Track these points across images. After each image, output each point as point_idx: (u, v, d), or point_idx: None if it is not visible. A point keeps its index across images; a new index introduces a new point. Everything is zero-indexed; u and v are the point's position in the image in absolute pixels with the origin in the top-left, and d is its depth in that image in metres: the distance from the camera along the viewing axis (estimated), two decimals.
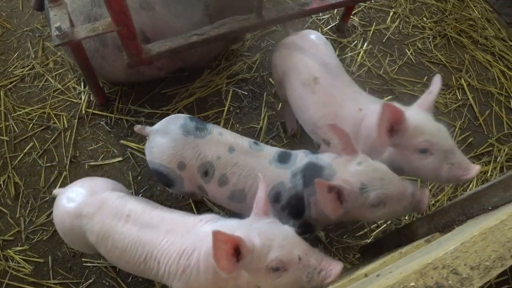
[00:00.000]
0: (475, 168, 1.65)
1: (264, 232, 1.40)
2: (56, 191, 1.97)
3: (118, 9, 1.86)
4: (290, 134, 2.70)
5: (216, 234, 1.27)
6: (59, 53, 3.14)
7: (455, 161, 1.67)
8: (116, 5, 1.84)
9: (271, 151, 1.87)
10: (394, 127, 1.69)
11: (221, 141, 1.84)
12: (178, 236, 1.61)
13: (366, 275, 1.27)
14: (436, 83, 1.87)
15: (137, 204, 1.76)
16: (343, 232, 2.47)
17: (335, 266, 1.37)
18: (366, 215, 1.66)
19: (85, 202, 1.78)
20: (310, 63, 2.11)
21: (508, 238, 0.84)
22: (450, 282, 0.75)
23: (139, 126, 2.02)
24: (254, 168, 1.79)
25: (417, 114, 1.77)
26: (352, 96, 2.03)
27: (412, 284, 0.74)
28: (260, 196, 1.52)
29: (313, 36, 2.26)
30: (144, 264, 1.66)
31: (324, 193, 1.53)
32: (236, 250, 1.34)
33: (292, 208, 1.78)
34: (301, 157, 1.80)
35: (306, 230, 1.82)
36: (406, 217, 2.55)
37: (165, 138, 1.88)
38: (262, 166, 1.80)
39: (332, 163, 1.69)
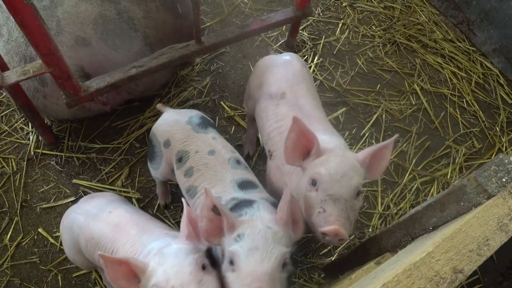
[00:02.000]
0: (331, 227, 1.44)
1: (161, 256, 1.39)
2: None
3: (46, 51, 1.79)
4: (245, 156, 2.66)
5: (104, 257, 1.32)
6: (4, 93, 3.04)
7: (327, 210, 1.50)
8: (43, 46, 1.77)
9: (242, 174, 1.88)
10: (308, 149, 1.66)
11: (208, 142, 1.95)
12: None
13: None
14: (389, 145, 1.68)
15: (121, 208, 1.85)
16: (307, 251, 2.43)
17: None
18: (222, 265, 1.47)
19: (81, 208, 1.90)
20: (282, 79, 2.13)
21: (435, 272, 0.80)
22: None
23: (160, 104, 2.26)
24: (216, 176, 1.84)
25: (335, 149, 1.67)
26: (310, 118, 1.95)
27: None
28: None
29: (291, 57, 2.28)
30: None
31: (207, 208, 1.46)
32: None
33: None
34: (254, 195, 1.74)
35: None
36: (370, 229, 2.53)
37: (171, 117, 2.08)
38: (224, 179, 1.82)
39: (261, 212, 1.53)
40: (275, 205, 1.59)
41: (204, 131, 2.00)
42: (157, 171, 2.14)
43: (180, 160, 1.96)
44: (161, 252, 1.40)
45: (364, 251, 1.61)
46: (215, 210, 1.43)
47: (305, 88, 2.11)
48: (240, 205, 1.61)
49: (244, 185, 1.81)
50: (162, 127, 2.06)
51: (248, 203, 1.61)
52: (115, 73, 2.17)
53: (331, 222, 1.45)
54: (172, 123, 2.04)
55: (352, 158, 1.62)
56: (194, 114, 2.10)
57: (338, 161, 1.58)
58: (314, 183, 1.57)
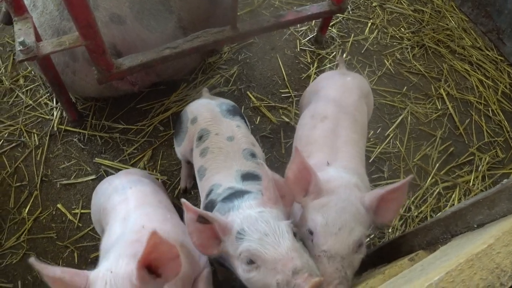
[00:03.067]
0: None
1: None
2: None
3: (85, 23, 1.78)
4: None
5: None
6: (30, 68, 3.04)
7: (320, 269, 1.32)
8: (82, 18, 1.76)
9: (250, 167, 1.85)
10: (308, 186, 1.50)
11: (231, 128, 1.98)
12: None
13: None
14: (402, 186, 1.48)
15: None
16: None
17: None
18: (237, 272, 1.41)
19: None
20: (333, 102, 1.99)
21: (496, 264, 0.78)
22: None
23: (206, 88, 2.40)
24: (225, 163, 1.85)
25: (339, 190, 1.50)
26: (337, 152, 1.82)
27: None
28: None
29: (354, 81, 2.15)
30: None
31: (191, 221, 1.39)
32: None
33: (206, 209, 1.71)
34: (252, 187, 1.71)
35: None
36: (390, 230, 2.50)
37: (205, 100, 2.17)
38: (230, 167, 1.83)
39: (249, 201, 1.50)
40: None
41: (231, 118, 2.04)
42: (178, 148, 2.18)
43: (200, 138, 1.99)
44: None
45: (394, 248, 1.59)
46: (201, 219, 1.38)
47: (351, 120, 1.94)
48: (231, 197, 1.58)
49: (247, 176, 1.78)
50: (195, 106, 2.13)
51: (240, 193, 1.58)
52: (148, 53, 2.16)
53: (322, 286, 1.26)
54: (204, 103, 2.12)
55: (357, 202, 1.45)
56: (226, 102, 2.16)
57: (338, 208, 1.41)
58: (310, 232, 1.43)
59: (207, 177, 1.86)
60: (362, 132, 1.98)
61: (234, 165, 1.83)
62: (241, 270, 1.36)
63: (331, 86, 2.11)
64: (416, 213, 2.59)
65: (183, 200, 1.38)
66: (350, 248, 1.35)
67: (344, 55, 3.27)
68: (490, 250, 0.80)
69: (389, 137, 2.89)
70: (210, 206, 1.68)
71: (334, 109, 1.96)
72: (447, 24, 3.71)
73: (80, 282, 1.18)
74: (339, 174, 1.61)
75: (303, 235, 1.48)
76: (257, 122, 2.83)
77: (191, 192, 2.55)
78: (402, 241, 1.55)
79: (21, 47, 1.84)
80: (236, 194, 1.58)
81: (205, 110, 2.06)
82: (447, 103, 3.17)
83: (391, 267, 1.39)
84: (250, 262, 1.32)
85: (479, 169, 2.87)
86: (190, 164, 2.23)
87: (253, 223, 1.35)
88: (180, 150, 2.17)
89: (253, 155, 1.91)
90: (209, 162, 1.88)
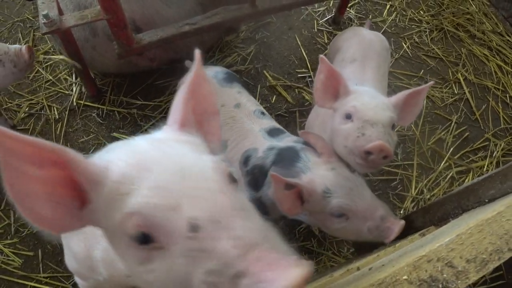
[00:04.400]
0: (375, 143, 1.45)
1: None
2: None
3: None
4: None
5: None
6: (50, 44, 3.09)
7: (366, 133, 1.51)
8: None
9: (268, 123, 1.93)
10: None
11: (234, 96, 2.01)
12: None
13: (358, 269, 1.23)
14: None
15: None
16: None
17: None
18: (326, 224, 1.58)
19: None
20: (360, 49, 2.22)
21: (505, 230, 0.80)
22: (445, 275, 0.71)
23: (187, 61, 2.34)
24: (244, 128, 1.88)
25: (366, 90, 1.76)
26: (367, 83, 2.04)
27: (405, 277, 0.70)
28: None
29: (377, 37, 2.39)
30: None
31: (280, 190, 1.48)
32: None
33: (253, 177, 1.78)
34: (288, 140, 1.80)
35: (259, 208, 1.75)
36: (402, 211, 2.52)
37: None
38: (252, 129, 1.87)
39: (311, 159, 1.61)
40: (305, 143, 1.72)
41: (230, 86, 2.07)
42: None
43: None
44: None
45: (406, 224, 1.61)
46: (288, 187, 1.48)
47: (376, 64, 2.17)
48: (285, 160, 1.66)
49: (273, 132, 1.88)
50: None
51: (291, 152, 1.68)
52: (168, 28, 2.19)
53: (374, 140, 1.45)
54: None
55: (384, 98, 1.65)
56: (219, 70, 2.17)
57: (370, 95, 1.62)
58: (348, 116, 1.57)
59: (232, 147, 1.89)
60: (384, 75, 2.23)
61: (254, 127, 1.88)
62: (332, 223, 1.54)
63: (358, 38, 2.32)
64: (428, 196, 2.60)
65: (271, 173, 1.48)
66: (387, 119, 1.53)
67: None
68: (500, 217, 0.82)
69: None
70: (259, 170, 1.75)
71: (362, 53, 2.19)
72: (467, 8, 3.66)
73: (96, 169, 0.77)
74: (366, 88, 1.81)
75: (338, 127, 1.63)
76: (273, 101, 2.85)
77: None
78: (414, 217, 1.58)
79: (45, 20, 1.88)
80: (288, 157, 1.67)
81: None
82: (464, 87, 3.15)
83: (402, 242, 1.42)
84: (341, 215, 1.50)
85: (494, 155, 2.86)
86: None
87: (335, 181, 1.50)
88: None
89: (263, 113, 1.99)
90: (227, 134, 1.90)
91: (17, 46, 2.12)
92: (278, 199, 1.50)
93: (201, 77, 0.98)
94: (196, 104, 0.97)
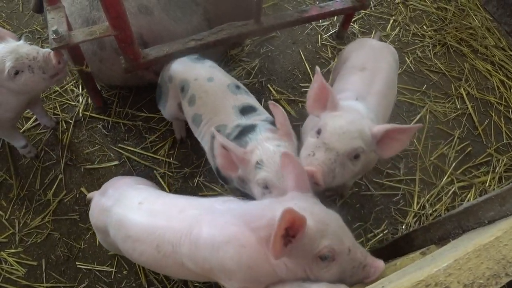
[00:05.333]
0: (309, 168, 1.51)
1: (318, 215, 1.29)
2: (89, 194, 2.04)
3: (115, 14, 1.85)
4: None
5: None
6: None
7: (315, 155, 1.58)
8: (113, 10, 1.83)
9: (242, 99, 2.00)
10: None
11: (206, 70, 2.09)
12: (191, 215, 1.51)
13: None
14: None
15: (152, 193, 1.75)
16: None
17: (378, 264, 1.30)
18: (253, 191, 1.68)
19: (107, 196, 1.80)
20: (371, 58, 2.21)
21: (503, 256, 0.82)
22: None
23: None
24: (217, 104, 1.96)
25: (353, 111, 1.74)
26: (369, 93, 2.02)
27: None
28: (297, 171, 1.44)
29: (388, 48, 2.36)
30: (158, 252, 1.52)
31: (219, 147, 1.66)
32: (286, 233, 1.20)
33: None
34: (256, 118, 1.90)
35: (221, 178, 1.99)
36: (403, 226, 2.53)
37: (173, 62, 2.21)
38: (225, 106, 1.94)
39: (263, 134, 1.72)
40: (273, 123, 1.80)
41: (202, 62, 2.15)
42: (165, 110, 2.34)
43: (183, 89, 2.08)
44: (307, 212, 1.30)
45: (407, 242, 1.63)
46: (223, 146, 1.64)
47: (386, 75, 2.14)
48: (243, 131, 1.79)
49: (245, 110, 1.94)
50: (166, 68, 2.23)
51: (250, 128, 1.79)
52: (174, 44, 2.23)
53: (312, 165, 1.51)
54: (174, 62, 2.20)
55: (366, 125, 1.63)
56: (193, 55, 2.24)
57: (348, 120, 1.61)
58: (318, 132, 1.63)
59: (206, 121, 1.98)
60: (392, 90, 2.20)
61: (228, 103, 1.95)
62: (257, 192, 1.64)
63: (368, 47, 2.32)
64: (430, 211, 2.61)
65: (213, 130, 1.66)
66: (347, 150, 1.55)
67: None
68: (498, 242, 0.84)
69: None
70: None
71: (372, 63, 2.17)
72: (470, 23, 3.69)
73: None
74: (359, 106, 1.81)
75: (307, 138, 1.70)
76: None
77: (188, 142, 2.73)
78: (415, 235, 1.60)
79: (54, 35, 1.92)
80: (246, 130, 1.80)
81: (176, 65, 2.16)
82: (467, 102, 3.17)
83: (403, 259, 1.43)
84: (266, 187, 1.59)
85: (496, 170, 2.87)
86: (179, 119, 2.43)
87: (271, 156, 1.59)
88: (166, 111, 2.33)
89: (237, 87, 2.05)
90: (201, 108, 1.99)
91: (46, 50, 2.09)
92: (217, 154, 1.70)
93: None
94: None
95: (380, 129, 1.62)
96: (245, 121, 1.88)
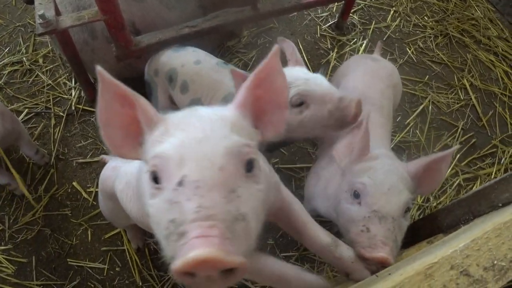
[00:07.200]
0: (378, 255, 1.25)
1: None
2: (103, 156, 2.06)
3: None
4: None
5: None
6: (49, 48, 3.05)
7: (372, 231, 1.32)
8: None
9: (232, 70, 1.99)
10: None
11: (191, 55, 2.05)
12: None
13: None
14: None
15: None
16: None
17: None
18: (289, 120, 1.52)
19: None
20: (363, 80, 1.98)
21: None
22: (459, 285, 0.64)
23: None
24: (213, 80, 1.92)
25: (382, 156, 1.52)
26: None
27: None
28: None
29: (387, 68, 2.14)
30: None
31: (239, 84, 1.53)
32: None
33: None
34: None
35: None
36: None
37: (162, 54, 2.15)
38: (221, 79, 1.92)
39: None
40: None
41: (183, 49, 2.12)
42: (157, 107, 2.19)
43: (171, 79, 2.03)
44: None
45: (412, 232, 1.54)
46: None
47: (378, 106, 1.91)
48: None
49: None
50: (148, 63, 2.22)
51: None
52: (167, 31, 2.14)
53: (377, 247, 1.26)
54: (155, 56, 2.18)
55: (402, 168, 1.44)
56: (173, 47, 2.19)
57: (385, 170, 1.40)
58: (356, 195, 1.40)
59: (208, 101, 1.95)
60: (388, 116, 1.96)
61: (223, 76, 1.93)
62: (294, 115, 1.56)
63: (361, 70, 2.07)
64: (434, 204, 2.53)
65: (231, 68, 1.65)
66: (400, 209, 1.33)
67: (365, 42, 3.20)
68: None
69: (409, 126, 2.82)
70: None
71: (364, 85, 1.95)
72: (472, 14, 3.61)
73: (154, 113, 0.96)
74: (376, 146, 1.59)
75: (343, 205, 1.46)
76: None
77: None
78: (420, 224, 1.51)
79: (41, 20, 1.84)
80: None
81: (158, 58, 2.12)
82: (470, 93, 3.08)
83: (409, 250, 1.35)
84: (301, 103, 1.54)
85: (502, 162, 2.79)
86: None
87: (293, 74, 1.57)
88: (160, 106, 2.23)
89: (225, 63, 2.05)
90: (198, 91, 1.95)
91: None
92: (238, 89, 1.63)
93: (275, 70, 1.01)
94: (264, 93, 1.03)
95: (417, 166, 1.43)
96: None
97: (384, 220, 1.30)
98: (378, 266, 1.28)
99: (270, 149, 2.06)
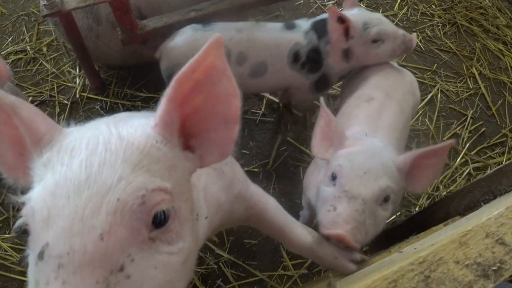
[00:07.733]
0: (334, 231, 1.20)
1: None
2: None
3: None
4: None
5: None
6: (53, 36, 3.02)
7: (337, 209, 1.24)
8: None
9: (275, 24, 2.07)
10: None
11: (227, 27, 2.01)
12: None
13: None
14: None
15: None
16: None
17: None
18: (368, 53, 1.90)
19: None
20: (382, 87, 1.87)
21: None
22: (495, 254, 0.61)
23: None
24: (266, 38, 1.99)
25: (368, 142, 1.44)
26: (377, 129, 1.66)
27: (451, 256, 0.59)
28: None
29: (406, 76, 2.04)
30: None
31: (333, 22, 1.81)
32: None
33: (311, 61, 2.02)
34: (304, 23, 2.05)
35: (324, 84, 2.13)
36: (417, 209, 2.41)
37: (178, 39, 1.98)
38: (273, 35, 1.99)
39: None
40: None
41: (209, 27, 2.00)
42: None
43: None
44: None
45: (426, 216, 1.50)
46: (339, 20, 1.86)
47: (399, 108, 1.78)
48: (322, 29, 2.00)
49: (288, 26, 2.07)
50: (181, 53, 1.97)
51: (323, 23, 1.99)
52: (173, 15, 2.10)
53: (337, 224, 1.21)
54: (185, 41, 1.97)
55: (388, 157, 1.34)
56: (191, 26, 2.02)
57: (366, 155, 1.33)
58: (333, 177, 1.33)
59: (270, 58, 2.02)
60: (405, 124, 1.81)
61: (271, 32, 2.03)
62: (373, 49, 1.90)
63: (382, 74, 1.96)
64: (444, 193, 2.49)
65: (330, 6, 1.78)
66: (374, 194, 1.25)
67: None
68: None
69: (418, 114, 2.78)
70: (313, 51, 2.03)
71: (382, 93, 1.81)
72: (480, 3, 3.57)
73: (46, 129, 0.76)
74: (372, 139, 1.50)
75: (320, 187, 1.40)
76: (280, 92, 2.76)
77: None
78: (435, 208, 1.47)
79: (45, 1, 1.80)
80: (318, 24, 2.01)
81: (194, 43, 1.93)
82: (479, 82, 3.04)
83: (425, 233, 1.31)
84: (378, 39, 1.87)
85: None
86: None
87: (367, 15, 1.90)
88: None
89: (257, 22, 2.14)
90: (259, 54, 2.00)
91: None
92: (331, 29, 1.85)
93: (218, 69, 0.73)
94: (204, 102, 0.77)
95: (406, 159, 1.32)
96: (303, 28, 2.02)
97: (354, 201, 1.24)
98: (340, 246, 1.25)
99: (318, 88, 2.16)
